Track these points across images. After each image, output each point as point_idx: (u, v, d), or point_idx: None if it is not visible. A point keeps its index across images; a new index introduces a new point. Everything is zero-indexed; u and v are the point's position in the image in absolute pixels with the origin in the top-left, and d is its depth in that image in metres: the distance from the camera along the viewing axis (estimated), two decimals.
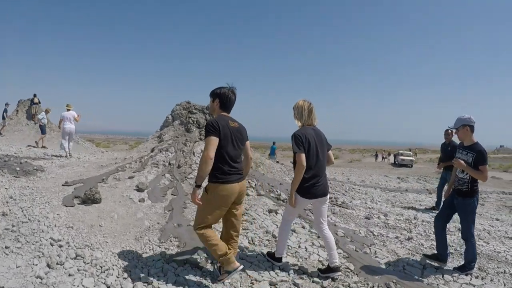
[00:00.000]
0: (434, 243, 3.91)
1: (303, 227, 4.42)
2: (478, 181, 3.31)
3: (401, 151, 31.75)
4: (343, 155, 47.14)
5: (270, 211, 4.82)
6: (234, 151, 2.73)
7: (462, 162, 3.28)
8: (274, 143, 18.56)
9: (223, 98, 2.80)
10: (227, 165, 2.67)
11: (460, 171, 3.44)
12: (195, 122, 8.26)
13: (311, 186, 2.94)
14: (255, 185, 5.96)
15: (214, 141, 2.57)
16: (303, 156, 2.84)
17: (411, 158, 27.49)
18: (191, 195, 2.67)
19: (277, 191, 5.95)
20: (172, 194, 4.90)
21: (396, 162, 28.31)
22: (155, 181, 5.30)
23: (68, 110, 9.36)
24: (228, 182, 2.66)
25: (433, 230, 4.05)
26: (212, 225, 2.87)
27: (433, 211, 6.55)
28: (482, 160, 3.21)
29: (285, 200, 5.46)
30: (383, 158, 36.77)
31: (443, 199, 4.01)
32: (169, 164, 6.01)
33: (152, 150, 6.67)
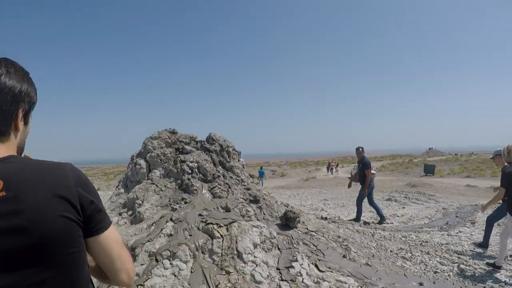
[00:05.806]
0: None
1: None
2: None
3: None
4: (287, 171, 45.37)
5: None
6: None
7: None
8: (261, 167, 23.64)
9: None
10: None
11: None
12: (196, 170, 4.72)
13: None
14: None
15: None
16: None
17: (373, 171, 26.85)
18: None
19: None
20: None
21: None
22: None
23: None
24: None
25: None
26: None
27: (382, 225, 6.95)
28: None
29: None
30: (330, 169, 35.44)
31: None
32: None
33: (133, 250, 2.95)
